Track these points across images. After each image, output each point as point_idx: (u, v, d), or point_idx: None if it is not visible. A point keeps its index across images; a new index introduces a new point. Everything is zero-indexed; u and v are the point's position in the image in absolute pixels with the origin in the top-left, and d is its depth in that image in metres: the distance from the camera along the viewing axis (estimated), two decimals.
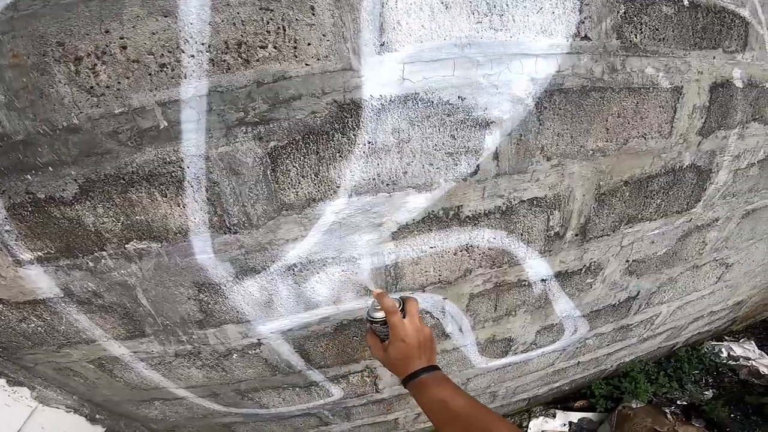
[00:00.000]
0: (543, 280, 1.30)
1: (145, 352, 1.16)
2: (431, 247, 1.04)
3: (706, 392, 2.51)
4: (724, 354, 2.73)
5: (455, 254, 1.08)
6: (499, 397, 2.19)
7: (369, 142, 0.82)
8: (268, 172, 0.81)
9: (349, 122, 0.79)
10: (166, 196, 0.79)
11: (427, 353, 0.77)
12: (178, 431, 1.75)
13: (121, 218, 0.81)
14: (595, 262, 1.34)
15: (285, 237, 0.92)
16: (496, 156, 0.91)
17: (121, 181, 0.75)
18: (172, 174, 0.76)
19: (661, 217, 1.33)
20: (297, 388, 1.50)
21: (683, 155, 1.18)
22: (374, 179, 0.87)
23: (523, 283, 1.27)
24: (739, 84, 1.12)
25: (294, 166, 0.81)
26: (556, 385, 2.34)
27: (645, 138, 1.06)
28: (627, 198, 1.17)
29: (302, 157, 0.81)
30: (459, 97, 0.81)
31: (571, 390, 2.53)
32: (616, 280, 1.51)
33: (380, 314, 0.83)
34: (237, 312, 1.07)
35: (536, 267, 1.23)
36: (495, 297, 1.28)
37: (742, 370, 2.60)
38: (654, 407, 2.33)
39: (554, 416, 2.46)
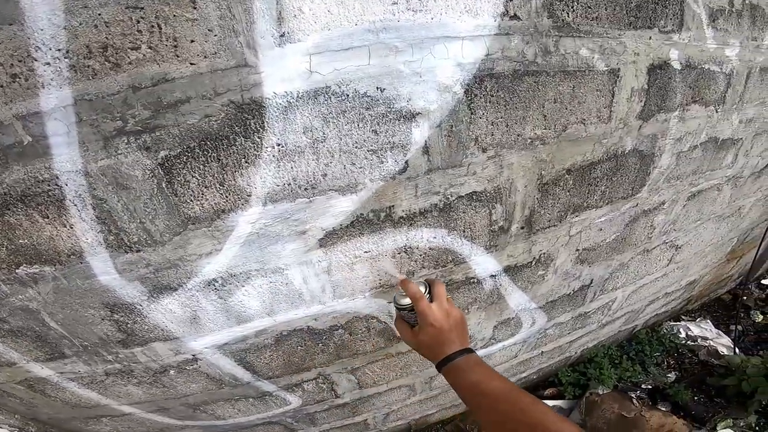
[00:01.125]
0: (492, 276, 1.25)
1: (72, 373, 1.06)
2: (366, 252, 0.97)
3: (669, 375, 2.58)
4: (683, 334, 2.81)
5: (394, 257, 1.01)
6: None
7: (278, 145, 0.74)
8: (164, 185, 0.72)
9: (252, 124, 0.70)
10: (47, 217, 0.71)
11: (460, 336, 0.74)
12: None
13: (4, 243, 0.73)
14: (544, 253, 1.31)
15: (197, 252, 0.83)
16: (426, 150, 0.84)
17: None
18: (50, 193, 0.68)
19: (607, 203, 1.31)
20: (251, 399, 1.43)
21: (625, 140, 1.15)
22: (290, 184, 0.79)
23: (472, 280, 1.22)
24: (677, 65, 1.10)
25: (193, 177, 0.72)
26: (524, 375, 2.33)
27: (584, 124, 1.02)
28: (571, 186, 1.14)
29: (201, 166, 0.72)
30: (378, 88, 0.74)
31: (539, 378, 2.54)
32: (568, 269, 1.49)
33: (406, 300, 0.80)
34: (161, 330, 0.99)
35: (483, 263, 1.18)
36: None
37: (701, 351, 2.68)
38: (620, 393, 2.36)
39: None
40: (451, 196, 0.95)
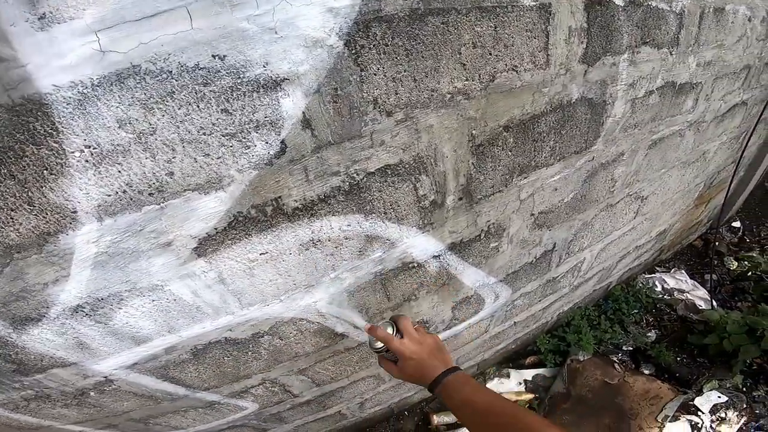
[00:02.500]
0: (436, 256, 1.12)
1: None
2: (262, 254, 0.82)
3: (649, 334, 2.53)
4: (659, 288, 2.77)
5: (300, 254, 0.86)
6: None
7: (87, 147, 0.56)
8: None
9: (38, 127, 0.53)
10: None
11: (440, 358, 0.78)
12: None
13: None
14: (493, 224, 1.17)
15: (40, 281, 0.68)
16: (306, 124, 0.68)
17: None
18: None
19: (559, 160, 1.18)
20: (199, 409, 1.31)
21: (569, 88, 1.00)
22: (125, 192, 0.62)
23: (411, 265, 1.08)
24: (619, 2, 0.95)
25: None
26: (501, 346, 2.25)
27: (517, 71, 0.87)
28: (512, 145, 0.99)
29: None
30: (215, 56, 0.56)
31: (518, 347, 2.47)
32: (526, 237, 1.37)
33: (379, 344, 0.83)
34: (51, 357, 0.84)
35: (420, 245, 1.03)
36: (381, 287, 1.09)
37: (679, 305, 2.64)
38: (601, 357, 2.31)
39: (508, 376, 2.40)
40: (357, 175, 0.79)
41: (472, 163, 0.94)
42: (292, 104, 0.64)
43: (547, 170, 1.16)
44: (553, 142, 1.10)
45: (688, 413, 1.99)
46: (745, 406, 1.99)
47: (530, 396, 2.23)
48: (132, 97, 0.55)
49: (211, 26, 0.54)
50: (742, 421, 1.95)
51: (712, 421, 1.97)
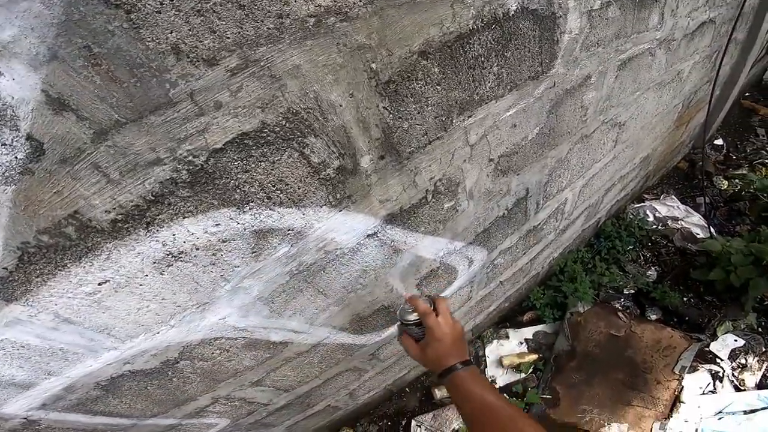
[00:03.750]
0: (371, 235, 0.90)
1: None
2: (102, 283, 0.59)
3: (649, 272, 2.34)
4: (651, 218, 2.58)
5: (163, 273, 0.64)
6: None
7: None
8: None
9: None
10: None
11: (461, 349, 0.78)
12: None
13: None
14: (441, 180, 0.95)
15: None
16: (59, 104, 0.42)
17: None
18: None
19: (511, 90, 0.94)
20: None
21: None
22: None
23: (339, 252, 0.87)
24: None
25: None
26: (492, 308, 2.09)
27: None
28: (440, 77, 0.76)
29: None
30: None
31: (512, 305, 2.31)
32: (489, 188, 1.15)
33: (413, 316, 0.81)
34: None
35: (341, 226, 0.81)
36: (308, 284, 0.88)
37: (675, 235, 2.44)
38: (603, 306, 2.12)
39: (507, 337, 2.22)
40: (196, 157, 0.55)
41: (385, 108, 0.71)
42: (14, 84, 0.39)
43: (498, 103, 0.93)
44: (498, 67, 0.86)
45: (706, 361, 1.83)
46: (764, 349, 1.83)
47: (534, 356, 2.06)
48: None
49: None
50: (765, 366, 1.80)
51: (732, 369, 1.81)
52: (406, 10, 0.64)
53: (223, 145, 0.55)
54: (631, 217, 2.56)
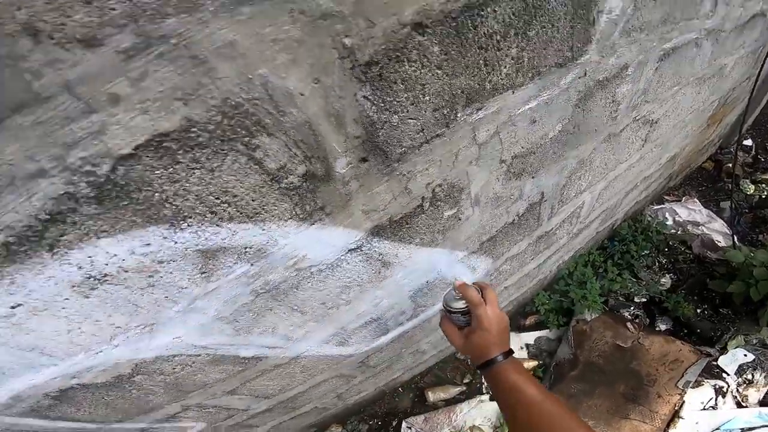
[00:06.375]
0: (354, 249, 0.75)
1: None
2: (14, 307, 0.47)
3: (663, 280, 2.17)
4: (670, 221, 2.38)
5: (88, 297, 0.50)
6: (431, 348, 1.80)
7: None
8: None
9: None
10: None
11: (503, 339, 0.75)
12: None
13: None
14: (440, 185, 0.80)
15: None
16: None
17: None
18: None
19: (533, 78, 0.77)
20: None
21: None
22: None
23: (315, 269, 0.72)
24: None
25: None
26: None
27: None
28: (441, 57, 0.59)
29: None
30: None
31: (515, 309, 2.17)
32: (499, 193, 0.99)
33: (460, 304, 0.77)
34: None
35: (315, 242, 0.66)
36: (278, 303, 0.74)
37: (695, 242, 2.26)
38: (611, 315, 1.98)
39: None
40: (97, 166, 0.40)
41: (365, 98, 0.54)
42: None
43: (515, 94, 0.76)
44: (517, 49, 0.69)
45: (712, 376, 1.71)
46: None
47: (533, 363, 1.95)
48: None
49: None
50: None
51: (738, 384, 1.69)
52: None
53: (133, 149, 0.40)
54: (649, 219, 2.37)
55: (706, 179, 2.76)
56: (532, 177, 1.07)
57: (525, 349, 2.07)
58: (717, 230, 2.26)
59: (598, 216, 1.85)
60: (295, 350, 0.96)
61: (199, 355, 0.78)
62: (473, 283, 0.80)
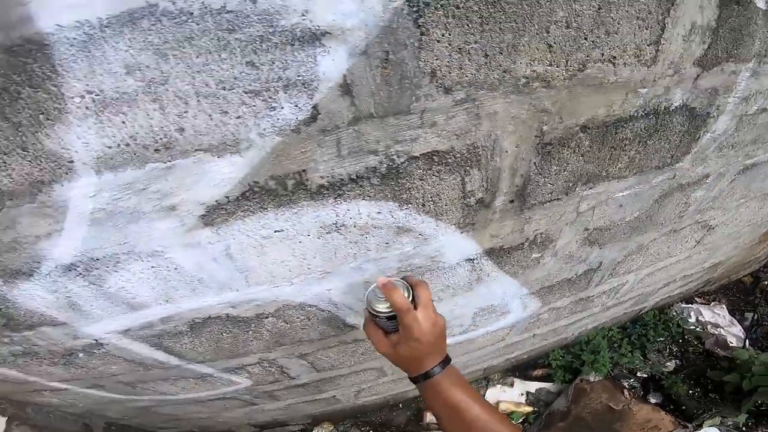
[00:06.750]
0: (470, 259, 0.98)
1: None
2: (278, 231, 0.71)
3: (669, 363, 2.35)
4: (693, 319, 2.54)
5: (320, 238, 0.75)
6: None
7: (89, 92, 0.46)
8: None
9: (37, 69, 0.43)
10: None
11: (441, 347, 0.68)
12: (99, 412, 1.57)
13: None
14: (541, 233, 1.02)
15: (33, 233, 0.60)
16: (346, 89, 0.54)
17: None
18: None
19: (635, 174, 1.00)
20: (191, 379, 1.27)
21: (672, 92, 0.82)
22: (128, 145, 0.52)
23: (440, 265, 0.95)
24: (762, 4, 0.75)
25: None
26: (512, 356, 2.14)
27: (614, 63, 0.69)
28: (586, 149, 0.83)
29: None
30: None
31: (530, 358, 2.35)
32: (572, 252, 1.21)
33: (384, 306, 0.65)
34: (41, 315, 0.79)
35: (456, 245, 0.90)
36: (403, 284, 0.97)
37: (709, 339, 2.42)
38: (612, 381, 2.16)
39: (512, 385, 2.30)
40: (398, 157, 0.66)
41: (534, 163, 0.79)
42: (332, 64, 0.51)
43: (618, 183, 0.99)
44: (635, 152, 0.92)
45: None
46: None
47: (529, 409, 2.13)
48: (144, 41, 0.44)
49: None
50: None
51: None
52: (591, 90, 0.71)
53: (419, 155, 0.66)
54: (674, 314, 2.54)
55: (741, 291, 2.88)
56: (600, 248, 1.28)
57: (525, 395, 2.25)
58: (733, 334, 2.44)
59: (632, 298, 2.03)
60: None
61: (323, 311, 1.01)
62: (403, 278, 0.70)
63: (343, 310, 1.00)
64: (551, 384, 2.26)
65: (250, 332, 0.99)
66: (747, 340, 2.35)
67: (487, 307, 1.30)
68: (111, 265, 0.68)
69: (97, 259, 0.67)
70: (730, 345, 2.35)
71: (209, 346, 1.03)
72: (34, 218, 0.58)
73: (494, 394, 2.30)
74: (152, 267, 0.71)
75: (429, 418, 2.23)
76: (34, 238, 0.61)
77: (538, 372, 2.35)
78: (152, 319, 0.86)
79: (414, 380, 0.68)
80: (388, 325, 0.68)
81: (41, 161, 0.51)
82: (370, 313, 0.69)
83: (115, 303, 0.78)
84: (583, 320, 2.03)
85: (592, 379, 2.14)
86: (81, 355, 0.98)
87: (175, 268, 0.72)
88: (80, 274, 0.69)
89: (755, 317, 2.52)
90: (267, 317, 0.95)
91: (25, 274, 0.68)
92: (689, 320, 2.54)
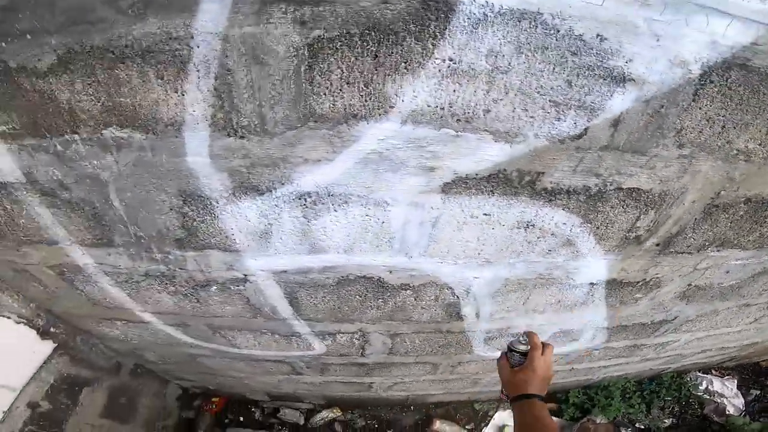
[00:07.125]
0: (592, 284, 1.09)
1: (112, 266, 0.99)
2: (485, 214, 0.82)
3: (666, 420, 2.55)
4: (703, 386, 2.68)
5: (510, 230, 0.86)
6: (480, 384, 2.10)
7: (450, 60, 0.57)
8: (302, 69, 0.58)
9: (432, 27, 0.54)
10: (162, 78, 0.59)
11: (544, 387, 0.87)
12: (139, 353, 1.65)
13: (102, 98, 0.62)
14: (657, 278, 1.12)
15: (305, 156, 0.69)
16: (615, 123, 0.65)
17: (110, 54, 0.57)
18: (176, 52, 0.57)
19: (756, 248, 1.09)
20: (277, 335, 1.36)
21: None
22: (442, 109, 0.62)
23: (570, 282, 1.06)
24: None
25: (339, 68, 0.58)
26: None
27: None
28: (738, 218, 0.93)
29: (353, 58, 0.57)
30: (598, 35, 0.55)
31: (550, 391, 2.44)
32: (665, 301, 1.30)
33: (523, 347, 0.90)
34: (225, 237, 0.87)
35: (593, 268, 1.01)
36: (531, 290, 1.08)
37: (709, 406, 2.61)
38: (614, 426, 2.40)
39: None
40: (610, 185, 0.77)
41: (695, 219, 0.89)
42: (620, 102, 0.62)
43: (740, 252, 1.08)
44: (767, 229, 1.01)
45: None
46: None
47: None
48: (515, 36, 0.55)
49: (614, 10, 0.53)
50: None
51: None
52: None
53: (625, 188, 0.79)
54: (689, 379, 2.67)
55: (754, 372, 2.97)
56: (687, 303, 1.37)
57: None
58: (735, 405, 2.59)
59: (671, 356, 2.11)
60: (482, 326, 1.29)
61: (454, 296, 1.11)
62: (525, 333, 0.94)
63: (469, 299, 1.11)
64: (560, 420, 2.41)
65: (381, 300, 1.11)
66: (746, 410, 2.55)
67: (567, 330, 1.40)
68: (339, 203, 0.78)
69: (331, 195, 0.76)
70: (728, 414, 2.54)
71: (333, 305, 1.13)
72: (318, 142, 0.67)
73: (503, 417, 2.48)
74: (367, 215, 0.81)
75: (438, 425, 2.36)
76: (302, 161, 0.70)
77: (549, 406, 2.46)
78: (316, 265, 0.96)
79: (516, 397, 0.87)
80: (517, 361, 0.91)
81: (370, 98, 0.61)
82: (509, 350, 0.93)
83: (302, 242, 0.87)
84: (619, 366, 2.12)
85: (598, 420, 2.36)
86: (213, 288, 1.06)
87: (383, 222, 0.82)
88: (305, 204, 0.78)
89: (760, 393, 2.70)
90: (407, 289, 1.06)
91: (256, 192, 0.76)
92: (700, 387, 2.68)
